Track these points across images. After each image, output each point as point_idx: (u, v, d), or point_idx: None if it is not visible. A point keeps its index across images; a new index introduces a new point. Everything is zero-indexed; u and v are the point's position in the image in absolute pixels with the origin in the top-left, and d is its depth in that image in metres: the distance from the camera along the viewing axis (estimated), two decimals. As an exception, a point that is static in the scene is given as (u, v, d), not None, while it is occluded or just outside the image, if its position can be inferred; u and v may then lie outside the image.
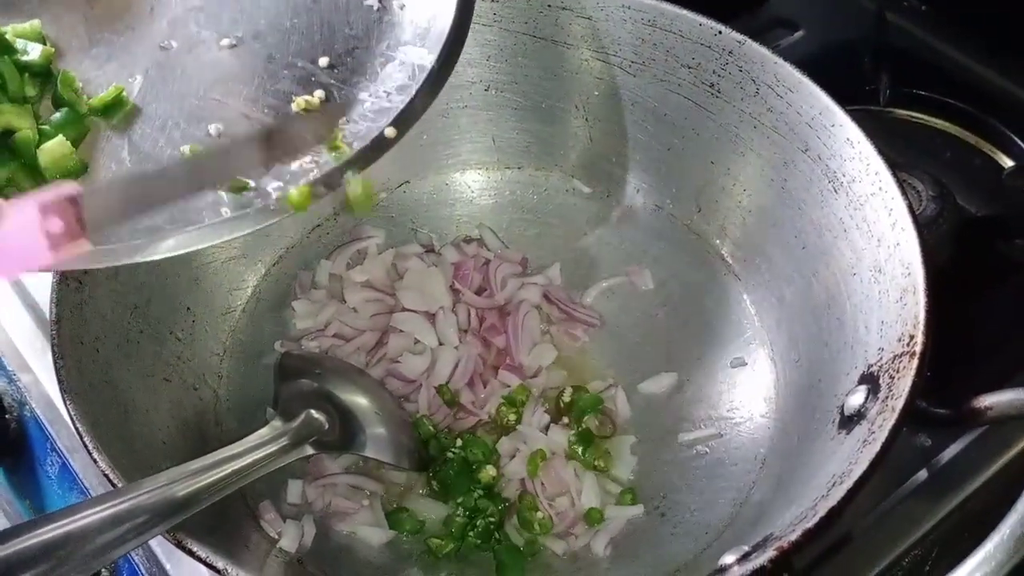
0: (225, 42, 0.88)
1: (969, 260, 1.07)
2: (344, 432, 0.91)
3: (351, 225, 1.13)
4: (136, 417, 0.86)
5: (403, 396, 1.00)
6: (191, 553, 0.69)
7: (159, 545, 0.92)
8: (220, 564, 0.68)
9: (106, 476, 0.72)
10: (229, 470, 0.78)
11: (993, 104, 1.24)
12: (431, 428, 0.97)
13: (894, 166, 0.85)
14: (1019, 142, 1.20)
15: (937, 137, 1.23)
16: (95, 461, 0.73)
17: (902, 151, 1.15)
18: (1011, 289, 1.08)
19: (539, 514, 0.92)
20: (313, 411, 0.89)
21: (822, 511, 0.69)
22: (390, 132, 0.82)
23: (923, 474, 0.94)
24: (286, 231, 1.10)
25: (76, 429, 0.75)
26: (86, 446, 0.74)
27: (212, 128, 0.83)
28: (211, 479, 0.76)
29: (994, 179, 1.19)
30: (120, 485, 0.72)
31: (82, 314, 0.84)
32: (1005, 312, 1.06)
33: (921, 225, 0.82)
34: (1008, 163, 1.19)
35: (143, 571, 0.93)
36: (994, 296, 1.06)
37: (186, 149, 0.81)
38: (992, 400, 0.78)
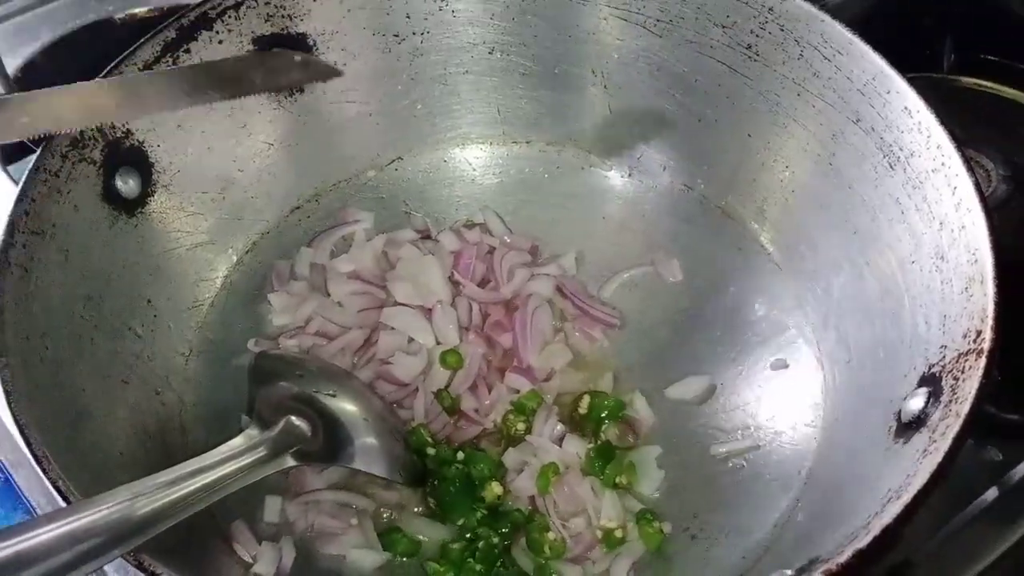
0: None
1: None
2: (329, 442, 0.92)
3: (335, 208, 1.14)
4: (90, 424, 0.86)
5: (395, 402, 1.01)
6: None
7: (117, 570, 0.92)
8: (186, 587, 0.69)
9: (56, 488, 0.73)
10: (197, 485, 0.78)
11: (1073, 71, 1.23)
12: (428, 438, 0.97)
13: (959, 142, 0.85)
14: (1102, 114, 1.19)
15: (1008, 109, 1.23)
16: (43, 471, 0.73)
17: (968, 125, 1.14)
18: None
19: (551, 535, 0.92)
20: (294, 418, 0.90)
21: (876, 530, 0.68)
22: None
23: (993, 492, 0.94)
24: (261, 214, 1.11)
25: (23, 436, 0.75)
26: (34, 454, 0.74)
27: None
28: (176, 495, 0.76)
29: (1073, 157, 1.19)
30: (72, 499, 0.72)
31: (28, 306, 0.84)
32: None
33: (990, 209, 0.81)
34: (1089, 137, 1.19)
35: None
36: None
37: None
38: (1071, 404, 0.78)
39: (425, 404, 1.00)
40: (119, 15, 1.42)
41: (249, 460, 0.84)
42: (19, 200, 0.87)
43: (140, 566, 0.70)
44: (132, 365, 0.95)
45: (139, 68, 0.96)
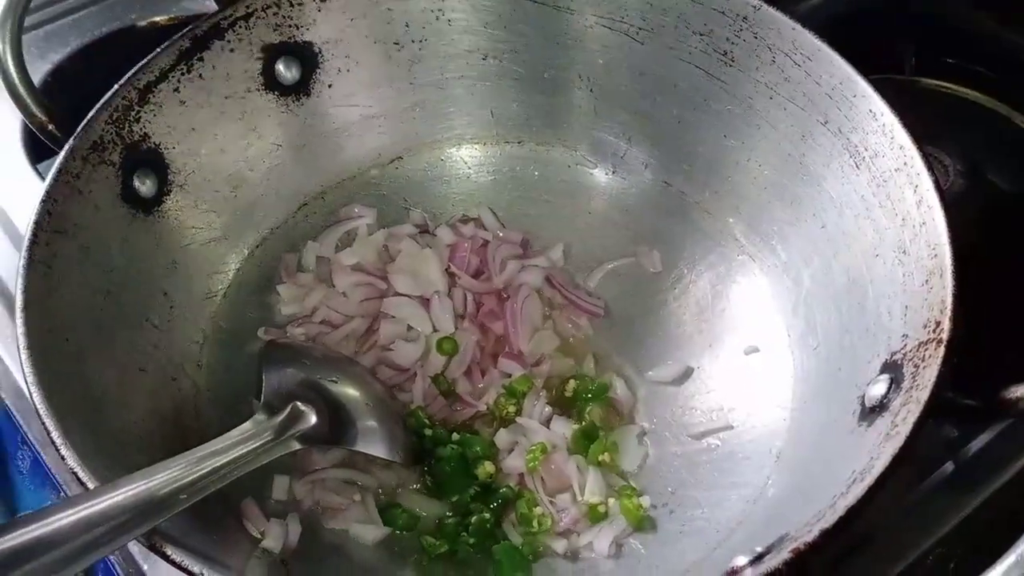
0: None
1: (1000, 240, 1.05)
2: (333, 425, 0.90)
3: (340, 204, 1.12)
4: (109, 410, 0.84)
5: (396, 386, 0.99)
6: (165, 556, 0.68)
7: (135, 545, 0.90)
8: (196, 568, 0.67)
9: (74, 474, 0.71)
10: (210, 467, 0.77)
11: (1025, 73, 1.22)
12: (425, 420, 0.96)
13: (920, 140, 0.83)
14: (1053, 113, 1.18)
15: (966, 108, 1.21)
16: (63, 458, 0.72)
17: (928, 123, 1.12)
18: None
19: (539, 511, 0.91)
20: (300, 403, 0.88)
21: (841, 509, 0.67)
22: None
23: (949, 467, 0.93)
24: (270, 211, 1.09)
25: (43, 425, 0.74)
26: (53, 442, 0.72)
27: None
28: (192, 478, 0.75)
29: (1027, 152, 1.17)
30: (89, 483, 0.71)
31: (51, 301, 0.83)
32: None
33: (948, 203, 0.80)
34: (1042, 136, 1.17)
35: (119, 571, 0.92)
36: (1026, 278, 1.05)
37: None
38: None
39: (423, 388, 0.98)
40: (141, 23, 1.40)
41: (257, 444, 0.82)
42: (43, 201, 0.85)
43: (152, 548, 0.68)
44: (149, 354, 0.93)
45: (155, 75, 0.95)
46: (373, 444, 0.91)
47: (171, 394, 0.94)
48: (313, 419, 0.88)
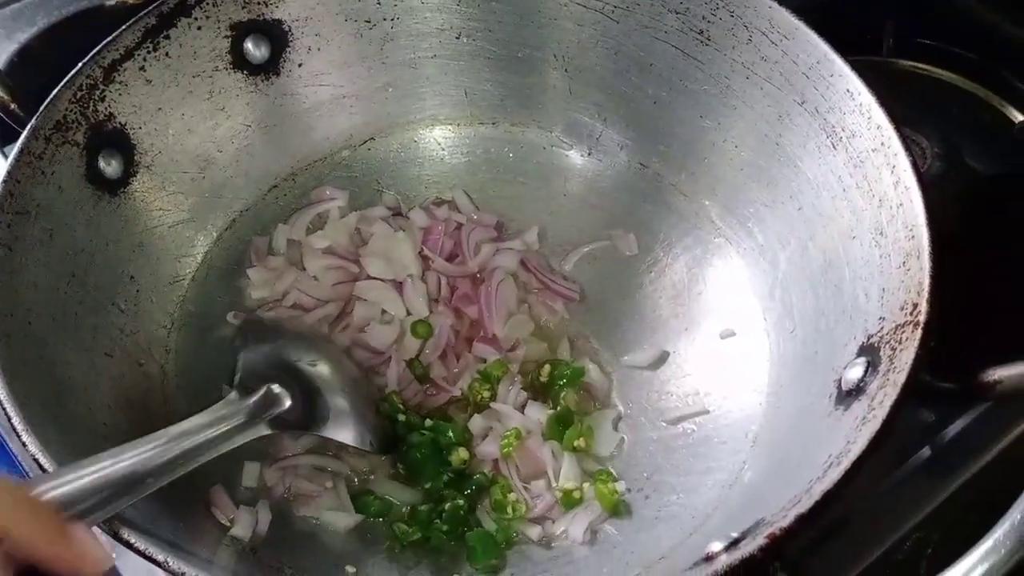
0: None
1: (977, 223, 1.05)
2: (306, 410, 0.89)
3: (311, 186, 1.10)
4: (74, 396, 0.83)
5: (371, 367, 0.98)
6: (128, 544, 0.67)
7: (100, 534, 0.89)
8: (161, 557, 0.66)
9: (36, 461, 0.70)
10: (180, 449, 0.75)
11: (1004, 55, 1.21)
12: (400, 405, 0.94)
13: (897, 121, 0.83)
14: (1031, 95, 1.17)
15: (944, 90, 1.21)
16: (24, 445, 0.70)
17: (906, 105, 1.11)
18: (1022, 254, 1.05)
19: (513, 497, 0.90)
20: (274, 386, 0.87)
21: (817, 494, 0.67)
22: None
23: (926, 452, 0.92)
24: (240, 193, 1.07)
25: (3, 409, 0.72)
26: (14, 428, 0.71)
27: None
28: (160, 460, 0.73)
29: (1004, 135, 1.16)
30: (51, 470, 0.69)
31: (12, 283, 0.81)
32: (1015, 279, 1.04)
33: (926, 186, 0.79)
34: (1019, 118, 1.17)
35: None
36: (1004, 262, 1.04)
37: None
38: (1002, 373, 0.75)
39: (397, 372, 0.97)
40: (109, 2, 1.37)
41: (229, 426, 0.81)
42: (4, 181, 0.83)
43: (116, 536, 0.67)
44: (115, 339, 0.91)
45: (121, 53, 0.93)
46: (345, 430, 0.90)
47: (138, 379, 0.92)
48: (287, 403, 0.86)
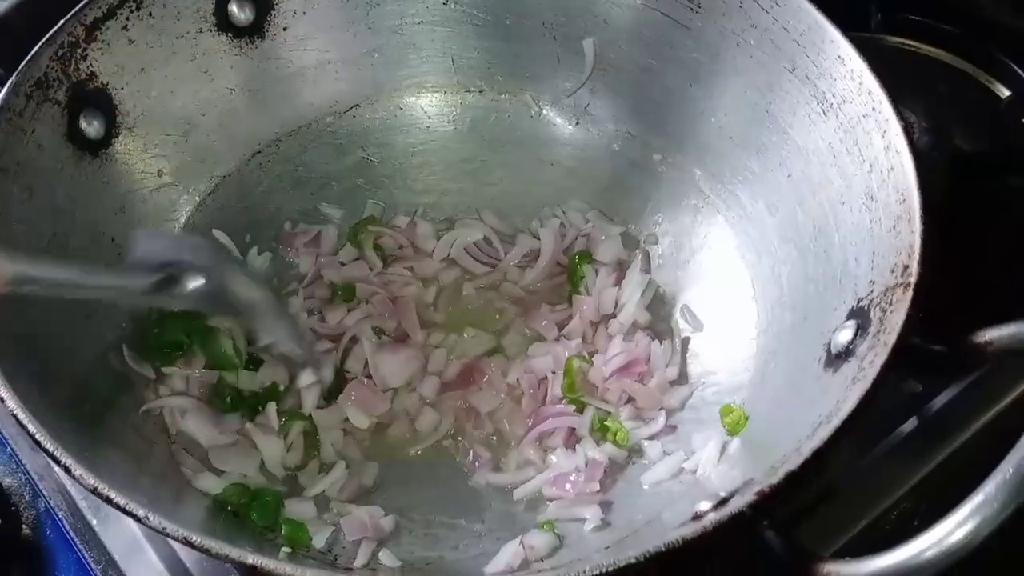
0: None
1: (964, 197, 1.05)
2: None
3: (295, 153, 1.09)
4: (54, 356, 0.83)
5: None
6: (108, 500, 0.66)
7: (85, 500, 0.90)
8: (141, 512, 0.66)
9: (14, 416, 0.70)
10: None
11: (991, 31, 1.21)
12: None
13: (888, 87, 0.83)
14: (1018, 71, 1.17)
15: (931, 66, 1.20)
16: (2, 400, 0.70)
17: (893, 81, 1.11)
18: (1008, 228, 1.06)
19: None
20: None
21: (806, 452, 0.67)
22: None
23: (913, 422, 0.93)
24: (223, 157, 1.06)
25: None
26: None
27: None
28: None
29: (991, 111, 1.17)
30: (31, 425, 0.69)
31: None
32: (1002, 251, 1.04)
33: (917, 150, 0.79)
34: (1006, 93, 1.17)
35: (67, 527, 0.91)
36: (990, 235, 1.05)
37: None
38: (993, 335, 0.75)
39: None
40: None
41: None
42: (-19, 138, 0.82)
43: (95, 492, 0.67)
44: (96, 301, 0.90)
45: (103, 11, 0.92)
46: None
47: (118, 342, 0.92)
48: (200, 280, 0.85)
